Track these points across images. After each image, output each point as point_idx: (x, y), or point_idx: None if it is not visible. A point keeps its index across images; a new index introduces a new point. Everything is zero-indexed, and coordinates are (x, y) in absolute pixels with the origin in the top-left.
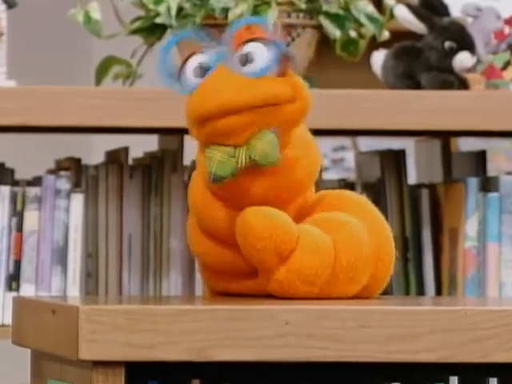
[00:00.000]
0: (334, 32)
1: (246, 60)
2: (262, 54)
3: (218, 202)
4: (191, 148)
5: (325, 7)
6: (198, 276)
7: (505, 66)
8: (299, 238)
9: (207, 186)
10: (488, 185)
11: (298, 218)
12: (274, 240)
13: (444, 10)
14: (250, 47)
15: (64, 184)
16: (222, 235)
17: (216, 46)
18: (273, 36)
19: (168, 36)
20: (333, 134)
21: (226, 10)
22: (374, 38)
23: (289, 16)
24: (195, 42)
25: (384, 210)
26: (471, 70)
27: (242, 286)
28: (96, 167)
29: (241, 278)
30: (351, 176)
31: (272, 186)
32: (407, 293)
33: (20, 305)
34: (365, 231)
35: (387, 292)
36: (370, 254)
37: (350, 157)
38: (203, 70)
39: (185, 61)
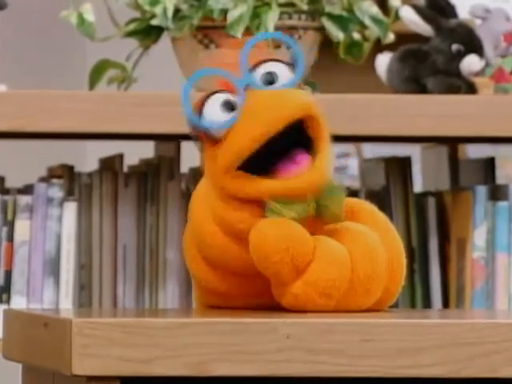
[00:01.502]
0: (337, 34)
1: (271, 79)
2: (282, 71)
3: (229, 236)
4: (188, 155)
5: (327, 8)
6: None
7: None
8: (316, 249)
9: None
10: (497, 193)
11: (312, 228)
12: (291, 252)
13: (451, 12)
14: (272, 67)
15: (56, 192)
16: (234, 269)
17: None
18: (296, 51)
19: (164, 38)
20: (336, 141)
21: (224, 12)
22: (378, 41)
23: (290, 17)
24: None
25: (389, 219)
26: (479, 73)
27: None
28: (89, 175)
29: (241, 300)
30: (355, 184)
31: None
32: (413, 305)
33: (10, 318)
34: (379, 242)
35: (392, 304)
36: (384, 266)
37: (353, 164)
38: (231, 107)
39: (205, 99)
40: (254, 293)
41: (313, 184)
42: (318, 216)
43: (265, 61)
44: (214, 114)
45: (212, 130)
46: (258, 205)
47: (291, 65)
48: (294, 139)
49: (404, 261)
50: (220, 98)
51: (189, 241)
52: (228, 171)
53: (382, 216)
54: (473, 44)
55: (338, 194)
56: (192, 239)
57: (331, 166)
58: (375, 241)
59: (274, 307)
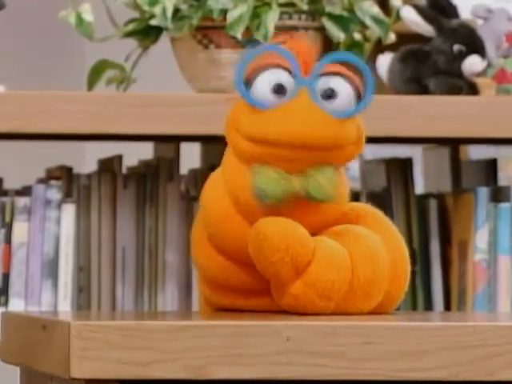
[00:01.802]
0: (338, 34)
1: (330, 94)
2: (345, 91)
3: (237, 217)
4: (188, 156)
5: (328, 8)
6: (195, 290)
7: None
8: (315, 250)
9: (240, 203)
10: (499, 195)
11: (313, 230)
12: (291, 252)
13: (453, 12)
14: (335, 82)
15: (55, 194)
16: (237, 253)
17: (292, 65)
18: (367, 75)
19: (163, 38)
20: None
21: (224, 12)
22: (379, 41)
23: (290, 18)
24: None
25: (390, 221)
26: (481, 74)
27: (249, 304)
28: (88, 176)
29: (249, 296)
30: (356, 185)
31: (314, 220)
32: (414, 308)
33: (8, 320)
34: (382, 245)
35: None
36: (386, 269)
37: (354, 165)
38: (282, 90)
39: (257, 72)
40: (259, 287)
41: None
42: (305, 195)
43: (329, 72)
44: (263, 91)
45: (255, 106)
46: None
47: (351, 80)
48: None
49: (408, 267)
50: (273, 78)
51: (198, 230)
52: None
53: (387, 221)
54: (475, 44)
55: (332, 173)
56: (202, 227)
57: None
58: (377, 243)
59: (276, 306)
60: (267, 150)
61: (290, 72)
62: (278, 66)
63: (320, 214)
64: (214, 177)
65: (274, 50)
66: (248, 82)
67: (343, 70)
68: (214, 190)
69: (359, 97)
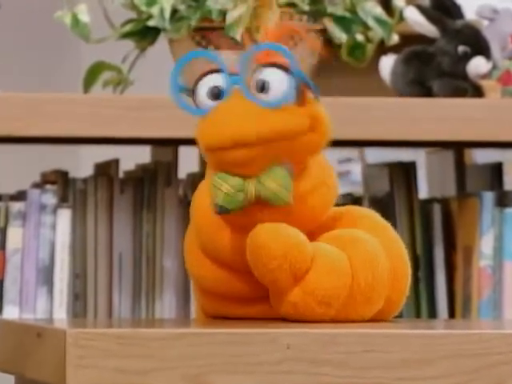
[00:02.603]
0: (340, 36)
1: (263, 87)
2: (279, 82)
3: (227, 225)
4: (186, 160)
5: (330, 9)
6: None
7: None
8: (314, 256)
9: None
10: (504, 199)
11: (311, 235)
12: (289, 259)
13: (457, 12)
14: (268, 73)
15: (50, 199)
16: (230, 261)
17: (229, 67)
18: (292, 63)
19: (161, 39)
20: (338, 145)
21: (223, 13)
22: (382, 42)
23: (291, 19)
24: (208, 61)
25: (393, 227)
26: (486, 76)
27: (247, 312)
28: (84, 180)
29: (247, 304)
30: (358, 190)
31: (285, 217)
32: (418, 315)
33: (3, 328)
34: (381, 248)
35: (396, 314)
36: (386, 274)
37: (356, 169)
38: (218, 93)
39: (198, 80)
40: (255, 295)
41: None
42: (262, 201)
43: (267, 65)
44: (202, 97)
45: (194, 114)
46: None
47: (284, 67)
48: None
49: (408, 270)
50: (208, 83)
51: (191, 238)
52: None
53: (385, 224)
54: (479, 45)
55: (280, 173)
56: (194, 237)
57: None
58: (376, 248)
59: (274, 316)
60: (214, 157)
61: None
62: (217, 70)
63: (294, 215)
64: (202, 186)
65: (200, 56)
66: (193, 92)
67: (275, 58)
68: (202, 199)
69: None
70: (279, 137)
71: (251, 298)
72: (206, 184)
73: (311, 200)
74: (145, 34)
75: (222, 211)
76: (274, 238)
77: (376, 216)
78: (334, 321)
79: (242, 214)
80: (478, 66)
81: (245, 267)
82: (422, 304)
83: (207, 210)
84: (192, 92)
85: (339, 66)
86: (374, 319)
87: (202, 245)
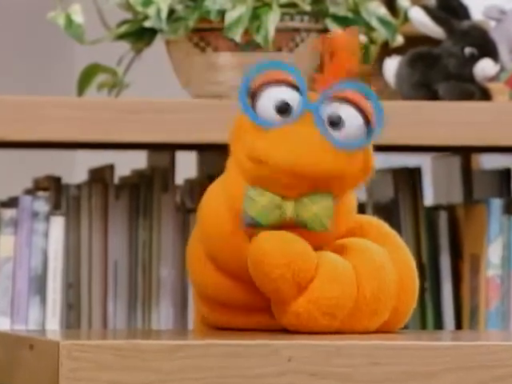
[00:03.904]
0: None
1: (336, 123)
2: (353, 121)
3: (236, 234)
4: (183, 165)
5: (332, 9)
6: (192, 307)
7: None
8: (318, 265)
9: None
10: None
11: (316, 244)
12: (292, 268)
13: (464, 13)
14: (343, 110)
15: (42, 205)
16: (237, 271)
17: (299, 83)
18: (375, 107)
19: (158, 40)
20: None
21: (222, 13)
22: (386, 44)
23: (292, 19)
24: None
25: (397, 234)
26: (494, 78)
27: (249, 322)
28: (78, 187)
29: (249, 314)
30: (361, 196)
31: (311, 241)
32: (424, 326)
33: None
34: (388, 259)
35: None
36: (393, 284)
37: None
38: (287, 109)
39: (262, 86)
40: (258, 305)
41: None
42: (299, 223)
43: (338, 100)
44: (267, 108)
45: (257, 122)
46: None
47: (362, 110)
48: None
49: (416, 281)
50: (278, 96)
51: (195, 246)
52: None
53: (392, 233)
54: (487, 47)
55: (324, 200)
56: (199, 243)
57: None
58: (383, 257)
59: (277, 326)
60: (263, 171)
61: (298, 89)
62: (286, 82)
63: (314, 240)
64: (213, 190)
65: (279, 68)
66: (253, 97)
67: (355, 97)
68: (214, 204)
69: (368, 127)
70: (337, 176)
71: (253, 307)
72: (216, 188)
73: (339, 227)
74: (141, 35)
75: (252, 225)
76: (276, 246)
77: (382, 224)
78: (338, 332)
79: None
80: (485, 68)
81: (250, 277)
82: (427, 315)
83: (218, 217)
84: (252, 96)
85: None
86: (380, 330)
87: (209, 252)
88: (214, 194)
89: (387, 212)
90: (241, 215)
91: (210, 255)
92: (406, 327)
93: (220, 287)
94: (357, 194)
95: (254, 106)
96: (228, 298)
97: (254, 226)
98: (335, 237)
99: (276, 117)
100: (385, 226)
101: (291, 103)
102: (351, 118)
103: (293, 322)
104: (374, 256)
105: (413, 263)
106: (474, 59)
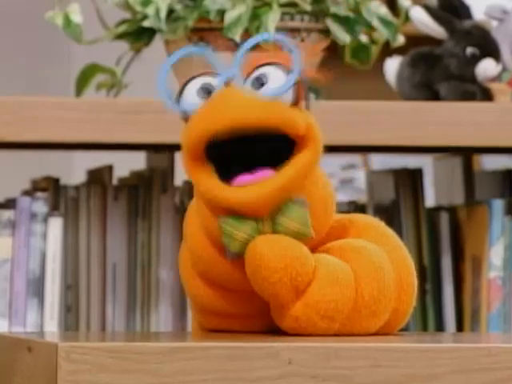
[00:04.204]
0: (343, 37)
1: (261, 81)
2: (277, 76)
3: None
4: (183, 166)
5: (333, 9)
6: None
7: None
8: (316, 268)
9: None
10: None
11: (312, 246)
12: (290, 272)
13: (466, 13)
14: (265, 69)
15: (41, 207)
16: (231, 285)
17: (222, 69)
18: (294, 58)
19: (157, 40)
20: (341, 151)
21: (221, 12)
22: (387, 44)
23: (292, 19)
24: (200, 60)
25: (398, 236)
26: (496, 79)
27: (243, 328)
28: (76, 188)
29: (246, 321)
30: (362, 198)
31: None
32: (425, 328)
33: None
34: (386, 259)
35: (403, 327)
36: (392, 285)
37: (360, 176)
38: (209, 92)
39: (186, 83)
40: (254, 312)
41: (259, 198)
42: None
43: (261, 65)
44: (191, 97)
45: (185, 114)
46: None
47: (281, 65)
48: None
49: (415, 280)
50: (200, 81)
51: (184, 257)
52: (189, 158)
53: (390, 232)
54: (489, 47)
55: (296, 210)
56: (187, 255)
57: (298, 181)
58: (381, 258)
59: (275, 330)
60: (215, 201)
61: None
62: (207, 73)
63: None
64: (192, 212)
65: (194, 53)
66: (180, 95)
67: (271, 58)
68: (194, 228)
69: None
70: (280, 124)
71: (249, 316)
72: (195, 211)
73: (316, 219)
74: (140, 35)
75: (237, 257)
76: (274, 251)
77: (381, 225)
78: (338, 335)
79: None
80: (487, 68)
81: (245, 289)
82: (428, 317)
83: (200, 239)
84: (179, 96)
85: (342, 69)
86: (380, 332)
87: (199, 271)
88: (193, 216)
89: (388, 213)
90: (224, 249)
91: (199, 272)
92: (406, 329)
93: (213, 299)
94: (357, 196)
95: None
96: (223, 308)
97: (239, 258)
98: (322, 234)
99: (200, 100)
100: (383, 226)
101: (213, 86)
102: (272, 73)
103: (292, 326)
104: (372, 257)
105: (411, 262)
106: (475, 59)
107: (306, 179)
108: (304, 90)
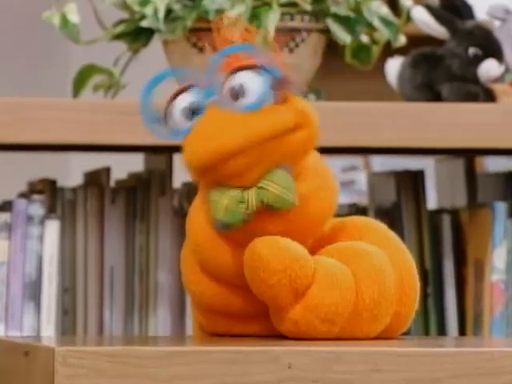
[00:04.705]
0: (344, 37)
1: (238, 93)
2: (254, 84)
3: (225, 241)
4: (181, 168)
5: (333, 9)
6: (190, 313)
7: None
8: (316, 271)
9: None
10: None
11: (312, 248)
12: (289, 274)
13: (468, 13)
14: (240, 78)
15: (37, 209)
16: (231, 278)
17: (204, 81)
18: (264, 60)
19: (155, 41)
20: (342, 153)
21: (220, 12)
22: (388, 44)
23: (292, 19)
24: (184, 78)
25: (400, 239)
26: (498, 79)
27: (248, 330)
28: (73, 190)
29: (248, 321)
30: (363, 200)
31: (287, 224)
32: (427, 332)
33: None
34: (388, 262)
35: (404, 331)
36: (393, 288)
37: (361, 178)
38: (193, 111)
39: (170, 101)
40: (255, 310)
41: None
42: (267, 208)
43: (237, 69)
44: (178, 119)
45: (171, 139)
46: None
47: (250, 67)
48: None
49: (417, 283)
50: (182, 102)
51: (187, 256)
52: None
53: (392, 235)
54: (491, 48)
55: (280, 175)
56: (191, 253)
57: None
58: (383, 261)
59: (276, 332)
60: (205, 177)
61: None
62: (187, 88)
63: (295, 221)
64: (196, 202)
65: (166, 76)
66: (165, 117)
67: (244, 61)
68: (200, 219)
69: (269, 79)
70: (267, 137)
71: (251, 315)
72: (199, 200)
73: (312, 205)
74: (138, 35)
75: (223, 227)
76: (273, 252)
77: (383, 227)
78: (338, 339)
79: (244, 228)
80: (489, 69)
81: (245, 283)
82: (430, 320)
83: (204, 227)
84: (164, 118)
85: (343, 70)
86: (381, 336)
87: (200, 262)
88: (198, 206)
89: (389, 216)
90: (211, 220)
91: (203, 266)
92: (408, 333)
93: (216, 296)
94: (358, 198)
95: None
96: (225, 306)
97: (225, 228)
98: (319, 226)
99: (188, 123)
100: (385, 229)
101: (195, 103)
102: (249, 81)
103: (291, 330)
104: (373, 259)
105: (414, 266)
106: (478, 60)
107: (303, 160)
108: (287, 82)
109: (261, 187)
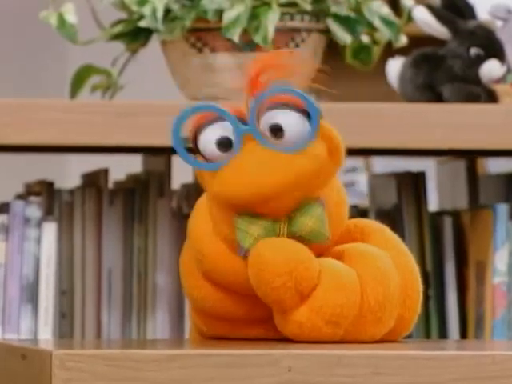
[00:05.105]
0: (344, 37)
1: (277, 131)
2: (294, 124)
3: (233, 253)
4: (180, 170)
5: (333, 9)
6: (188, 316)
7: None
8: (321, 273)
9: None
10: None
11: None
12: (294, 276)
13: (470, 12)
14: (279, 116)
15: (34, 211)
16: (236, 287)
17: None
18: (308, 103)
19: (153, 41)
20: None
21: (219, 12)
22: (389, 44)
23: (292, 19)
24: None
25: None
26: (500, 80)
27: (249, 334)
28: (71, 192)
29: (249, 326)
30: (364, 202)
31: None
32: (428, 335)
33: None
34: (392, 264)
35: (406, 335)
36: (397, 290)
37: (362, 180)
38: (228, 143)
39: (198, 130)
40: (258, 317)
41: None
42: (297, 238)
43: (272, 106)
44: (209, 149)
45: (206, 169)
46: None
47: (296, 106)
48: None
49: (420, 286)
50: (215, 132)
51: (187, 258)
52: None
53: (395, 238)
54: (493, 48)
55: (314, 210)
56: (192, 258)
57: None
58: (387, 263)
59: (278, 336)
60: (235, 207)
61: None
62: (220, 118)
63: (314, 248)
64: (200, 209)
65: (205, 110)
66: (193, 142)
67: (285, 98)
68: (203, 226)
69: (307, 117)
70: (309, 177)
71: (255, 319)
72: (203, 207)
73: (331, 224)
74: (136, 36)
75: (249, 254)
76: (277, 254)
77: (387, 230)
78: (342, 341)
79: None
80: (491, 69)
81: (249, 291)
82: (432, 323)
83: (210, 237)
84: (194, 143)
85: (344, 70)
86: (384, 339)
87: (205, 271)
88: (202, 214)
89: (390, 218)
90: (237, 246)
91: (204, 271)
92: (410, 336)
93: (219, 301)
94: (359, 200)
95: (196, 151)
96: (225, 311)
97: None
98: (333, 240)
99: (219, 154)
100: (389, 232)
101: (229, 136)
102: (288, 119)
103: (296, 332)
104: (377, 262)
105: (417, 269)
106: (479, 60)
107: (325, 186)
108: (321, 116)
109: (293, 219)
